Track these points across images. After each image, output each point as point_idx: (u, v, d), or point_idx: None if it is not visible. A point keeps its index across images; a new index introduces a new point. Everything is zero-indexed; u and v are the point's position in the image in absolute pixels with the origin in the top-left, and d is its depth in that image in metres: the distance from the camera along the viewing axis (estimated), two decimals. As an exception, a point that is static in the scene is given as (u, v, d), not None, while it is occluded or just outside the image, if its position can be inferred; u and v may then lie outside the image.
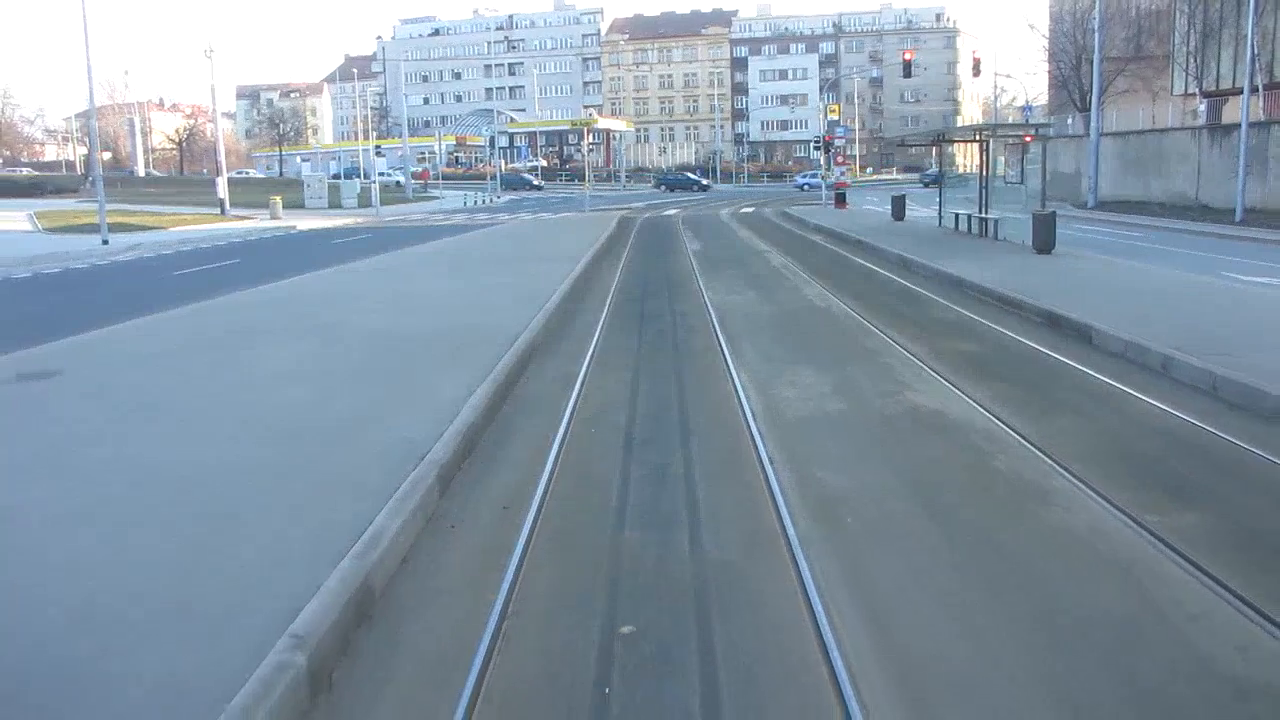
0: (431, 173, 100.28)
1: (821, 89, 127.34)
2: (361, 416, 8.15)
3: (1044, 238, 21.11)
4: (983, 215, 25.70)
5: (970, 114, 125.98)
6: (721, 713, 4.06)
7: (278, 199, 47.82)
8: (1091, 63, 60.51)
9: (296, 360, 11.02)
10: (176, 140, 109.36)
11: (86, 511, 5.99)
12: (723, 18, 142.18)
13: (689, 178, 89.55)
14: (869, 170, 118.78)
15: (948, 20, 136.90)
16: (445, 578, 5.43)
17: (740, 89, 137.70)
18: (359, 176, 76.86)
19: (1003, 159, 24.84)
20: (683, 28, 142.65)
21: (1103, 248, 25.01)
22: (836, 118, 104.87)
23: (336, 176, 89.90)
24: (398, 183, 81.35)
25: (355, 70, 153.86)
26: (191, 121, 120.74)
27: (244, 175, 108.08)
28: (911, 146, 52.86)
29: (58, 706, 3.77)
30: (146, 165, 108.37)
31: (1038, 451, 7.60)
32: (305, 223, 45.07)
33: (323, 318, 14.28)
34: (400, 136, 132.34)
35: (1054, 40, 62.55)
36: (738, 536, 5.98)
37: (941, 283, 18.34)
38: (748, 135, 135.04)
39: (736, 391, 9.72)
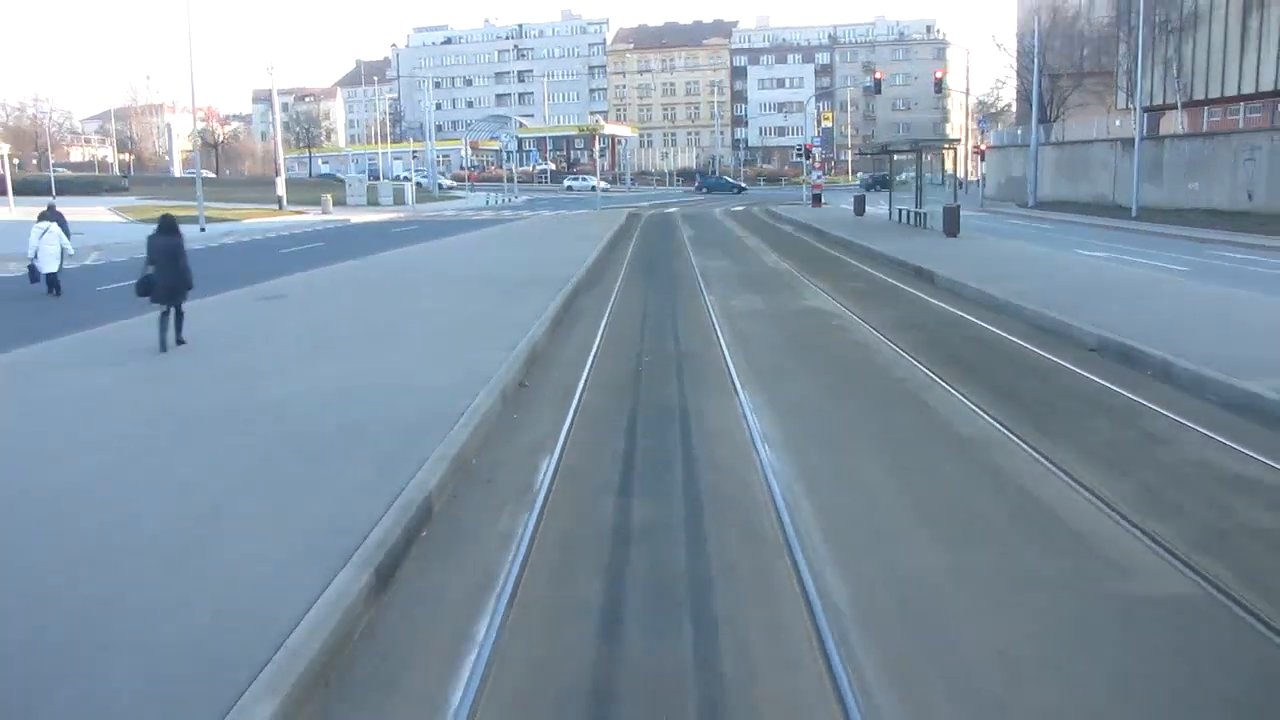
0: (449, 175, 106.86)
1: (817, 97, 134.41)
2: (490, 313, 15.17)
3: (951, 225, 28.12)
4: (917, 210, 32.72)
5: (959, 121, 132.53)
6: (683, 373, 11.11)
7: (329, 196, 54.96)
8: (1051, 78, 67.74)
9: (434, 292, 18.11)
10: (213, 143, 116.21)
11: (379, 335, 13.08)
12: (723, 28, 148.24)
13: (727, 180, 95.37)
14: (860, 175, 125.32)
15: (938, 32, 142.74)
16: (568, 347, 12.54)
17: (740, 96, 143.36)
18: (376, 177, 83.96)
19: (947, 162, 31.47)
20: (685, 38, 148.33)
21: (1005, 234, 32.10)
22: (830, 124, 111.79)
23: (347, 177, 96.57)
24: (418, 184, 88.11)
25: (369, 75, 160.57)
26: (213, 125, 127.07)
27: (265, 176, 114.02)
28: (868, 154, 59.76)
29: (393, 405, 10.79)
30: (181, 167, 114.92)
31: (860, 320, 14.67)
32: (356, 217, 52.14)
33: (434, 271, 21.42)
34: (414, 140, 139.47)
35: (1019, 58, 69.63)
36: (698, 345, 13.06)
37: (864, 254, 25.45)
38: (746, 141, 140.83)
39: (706, 302, 16.81)
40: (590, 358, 12.05)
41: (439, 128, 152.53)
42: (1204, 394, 9.58)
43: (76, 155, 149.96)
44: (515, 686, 4.40)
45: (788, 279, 20.82)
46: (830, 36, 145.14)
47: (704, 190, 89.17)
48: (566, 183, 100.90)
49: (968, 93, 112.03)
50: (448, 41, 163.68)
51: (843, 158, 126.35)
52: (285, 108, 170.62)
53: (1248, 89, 44.70)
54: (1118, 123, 47.61)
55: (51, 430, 8.48)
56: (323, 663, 4.40)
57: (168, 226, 12.01)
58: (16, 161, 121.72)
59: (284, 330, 13.99)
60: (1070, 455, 7.67)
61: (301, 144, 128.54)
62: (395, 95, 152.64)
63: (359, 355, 11.66)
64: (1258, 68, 43.79)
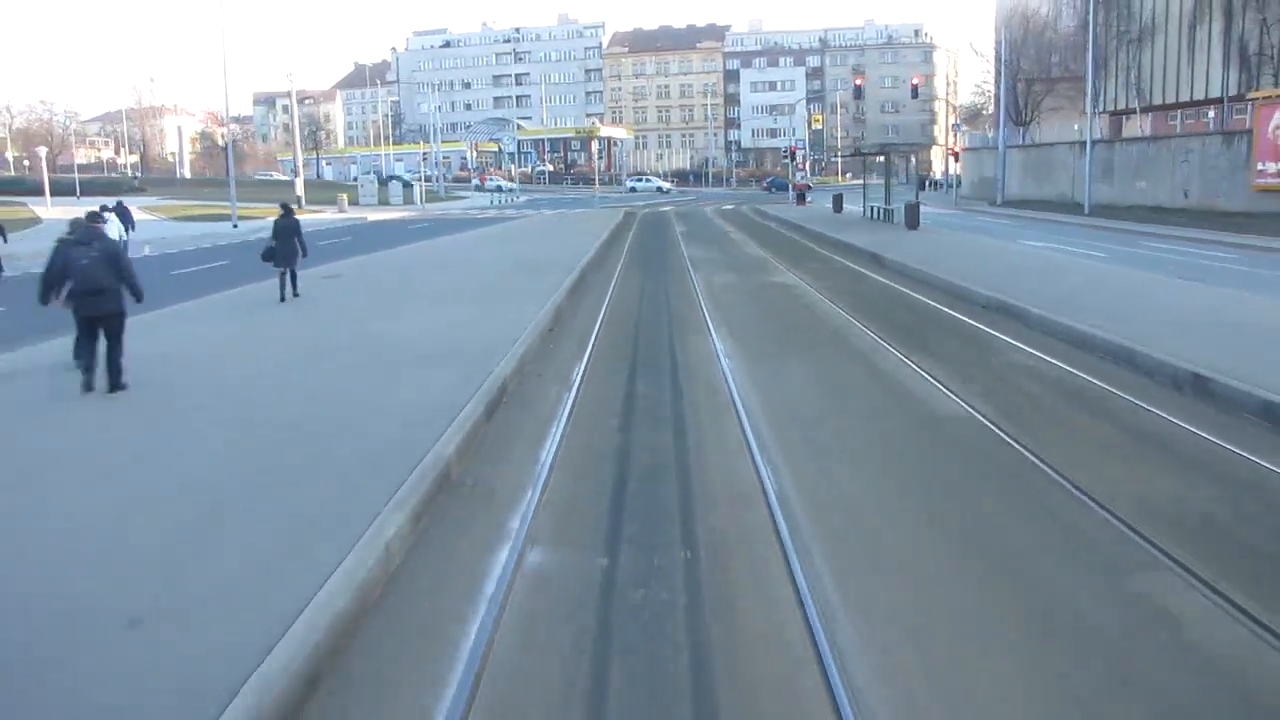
0: (448, 176, 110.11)
1: (808, 100, 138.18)
2: (518, 286, 18.91)
3: (911, 220, 31.97)
4: (886, 207, 36.56)
5: (947, 123, 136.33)
6: (672, 323, 14.92)
7: (345, 195, 58.73)
8: (1026, 83, 71.69)
9: (468, 272, 21.91)
10: (223, 145, 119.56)
11: (436, 299, 16.86)
12: (716, 32, 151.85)
13: (783, 180, 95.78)
14: (849, 175, 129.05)
15: (925, 36, 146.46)
16: (584, 307, 16.31)
17: (732, 99, 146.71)
18: (379, 178, 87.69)
19: (906, 162, 35.41)
20: (679, 41, 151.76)
21: (965, 228, 35.97)
22: (821, 127, 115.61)
23: (357, 178, 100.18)
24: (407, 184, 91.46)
25: (369, 78, 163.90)
26: (213, 128, 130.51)
27: (269, 177, 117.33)
28: (843, 158, 63.63)
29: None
30: (189, 168, 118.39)
31: (813, 290, 18.47)
32: (371, 215, 55.92)
33: (463, 257, 25.21)
34: (414, 141, 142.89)
35: (995, 64, 73.54)
36: (684, 307, 16.85)
37: (830, 243, 29.30)
38: (739, 142, 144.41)
39: (693, 282, 20.58)
40: (601, 313, 15.87)
41: (436, 130, 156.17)
42: (1045, 331, 13.40)
43: (81, 157, 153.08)
44: (574, 453, 8.19)
45: (761, 262, 24.68)
46: (821, 40, 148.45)
47: (772, 189, 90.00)
48: (629, 184, 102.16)
49: (947, 98, 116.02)
50: (446, 45, 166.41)
51: (834, 159, 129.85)
52: (286, 110, 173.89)
53: (1198, 95, 48.62)
54: (1075, 127, 51.43)
55: (229, 353, 12.25)
56: (466, 442, 8.16)
57: (287, 211, 15.96)
58: (27, 163, 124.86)
59: (358, 296, 17.78)
60: (925, 358, 11.51)
61: (305, 146, 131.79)
62: (397, 98, 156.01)
63: (425, 311, 15.44)
64: (1207, 75, 47.72)
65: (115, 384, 9.87)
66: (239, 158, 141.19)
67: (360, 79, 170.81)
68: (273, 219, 17.10)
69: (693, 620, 5.07)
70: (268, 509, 6.29)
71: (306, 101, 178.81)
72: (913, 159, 35.02)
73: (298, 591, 4.97)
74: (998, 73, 61.29)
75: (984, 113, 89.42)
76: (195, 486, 6.80)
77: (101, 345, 9.94)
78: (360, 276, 21.60)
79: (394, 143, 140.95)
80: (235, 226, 43.37)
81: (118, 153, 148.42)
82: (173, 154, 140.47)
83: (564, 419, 9.16)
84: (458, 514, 6.70)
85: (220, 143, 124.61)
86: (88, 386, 9.78)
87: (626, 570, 5.73)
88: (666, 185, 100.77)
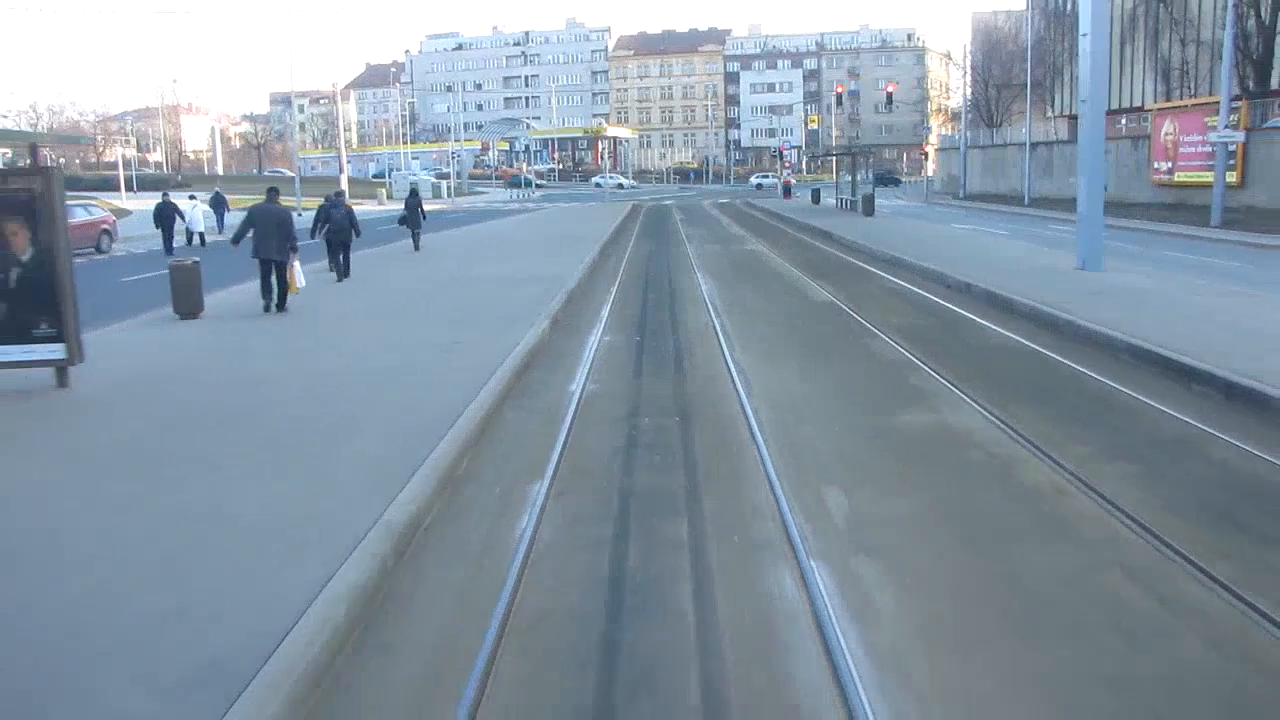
0: (462, 174, 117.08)
1: (805, 101, 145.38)
2: (561, 249, 26.38)
3: (867, 208, 39.42)
4: (851, 198, 44.01)
5: (936, 123, 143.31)
6: (671, 271, 22.40)
7: (383, 189, 66.14)
8: (997, 89, 79.16)
9: (519, 244, 29.37)
10: (255, 145, 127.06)
11: (504, 258, 24.41)
12: (718, 36, 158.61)
13: (893, 176, 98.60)
14: (844, 173, 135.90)
15: (918, 40, 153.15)
16: (609, 263, 23.82)
17: (733, 100, 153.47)
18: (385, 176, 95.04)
19: (861, 162, 42.81)
20: (682, 45, 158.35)
21: (916, 215, 43.48)
22: (817, 127, 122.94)
23: (377, 175, 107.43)
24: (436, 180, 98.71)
25: (380, 78, 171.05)
26: (228, 126, 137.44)
27: (280, 174, 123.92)
28: (818, 158, 70.86)
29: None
30: (222, 166, 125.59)
31: (775, 256, 25.97)
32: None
33: (508, 235, 32.74)
34: (428, 141, 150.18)
35: (971, 71, 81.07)
36: (679, 262, 24.35)
37: (798, 226, 36.79)
38: (739, 141, 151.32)
39: (687, 249, 28.04)
40: (622, 265, 23.43)
41: (450, 129, 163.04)
42: (909, 269, 20.83)
43: (107, 155, 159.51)
44: (616, 318, 15.65)
45: (740, 237, 32.23)
46: (817, 44, 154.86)
47: (883, 184, 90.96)
48: (595, 181, 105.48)
49: (938, 99, 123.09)
50: (459, 48, 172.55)
51: (829, 158, 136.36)
52: (301, 109, 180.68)
53: (1130, 103, 56.00)
54: (1023, 130, 58.82)
55: (402, 274, 19.72)
56: (560, 311, 15.61)
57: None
58: (61, 161, 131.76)
59: (453, 255, 25.28)
60: (825, 283, 19.03)
61: (319, 144, 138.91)
62: (413, 99, 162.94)
63: (504, 262, 22.94)
64: (1132, 86, 55.10)
65: (345, 276, 17.59)
66: (261, 157, 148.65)
67: (372, 79, 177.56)
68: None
69: (677, 357, 12.56)
70: (478, 328, 13.76)
71: (322, 101, 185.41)
72: (870, 158, 42.25)
73: (517, 339, 12.43)
74: (964, 80, 68.65)
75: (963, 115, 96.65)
76: (440, 323, 14.26)
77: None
78: (442, 246, 29.06)
79: (409, 142, 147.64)
80: (299, 215, 50.74)
81: (137, 150, 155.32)
82: (195, 152, 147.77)
83: (608, 307, 16.64)
84: (564, 331, 14.19)
85: (261, 141, 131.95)
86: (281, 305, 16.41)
87: (648, 341, 13.24)
88: (627, 183, 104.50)
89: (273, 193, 17.40)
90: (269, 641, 4.41)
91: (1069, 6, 64.59)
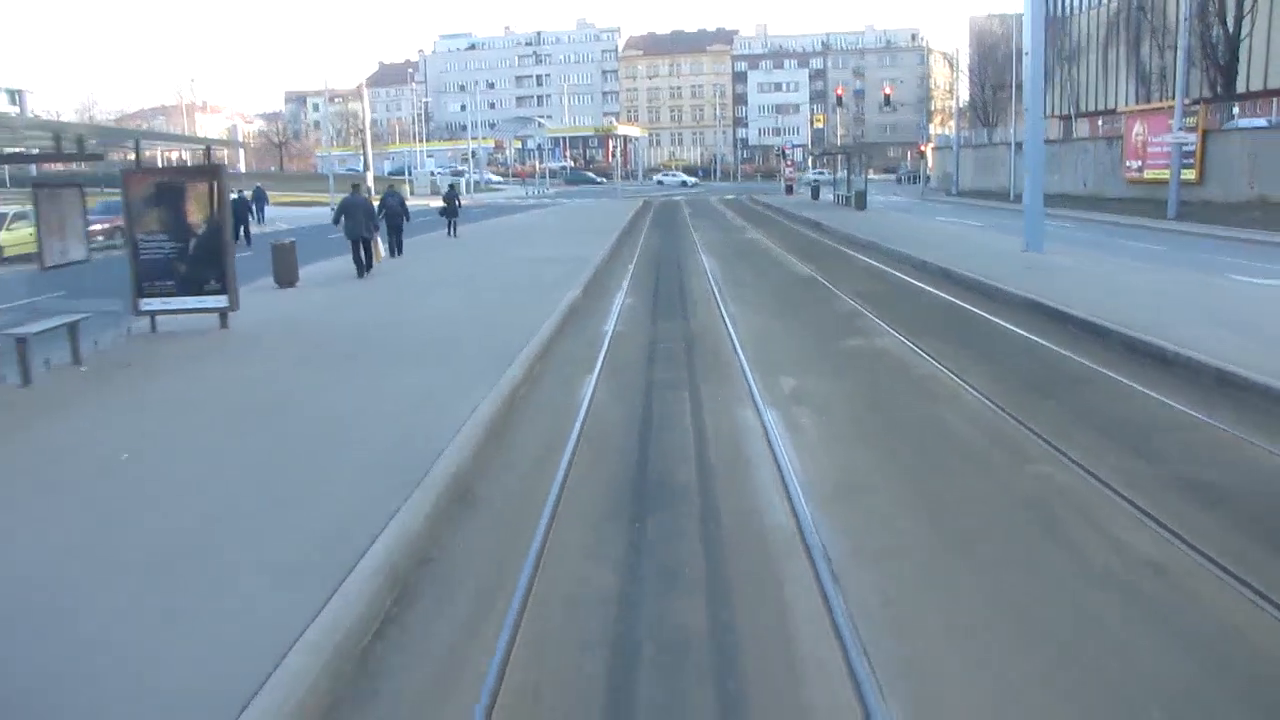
0: (481, 171, 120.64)
1: (811, 100, 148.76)
2: (583, 239, 30.07)
3: (859, 203, 43.02)
4: (845, 194, 47.63)
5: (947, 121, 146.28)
6: (679, 255, 26.11)
7: (406, 186, 69.88)
8: (993, 89, 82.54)
9: (544, 232, 33.13)
10: (278, 143, 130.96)
11: (534, 243, 28.15)
12: (725, 36, 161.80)
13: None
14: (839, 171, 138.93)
15: (921, 40, 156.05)
16: (626, 249, 27.52)
17: (740, 99, 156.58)
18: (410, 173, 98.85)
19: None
20: (690, 45, 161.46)
21: (902, 210, 47.12)
22: (823, 126, 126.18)
23: (394, 172, 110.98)
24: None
25: (393, 77, 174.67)
26: (242, 124, 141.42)
27: (357, 173, 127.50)
28: (816, 156, 74.29)
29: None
30: (245, 164, 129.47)
31: (770, 243, 29.63)
32: (432, 203, 67.05)
33: (533, 226, 36.51)
34: (442, 139, 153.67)
35: (969, 73, 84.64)
36: (686, 246, 28.04)
37: (794, 218, 40.45)
38: (747, 140, 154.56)
39: (694, 239, 31.70)
40: (638, 249, 27.12)
41: (463, 127, 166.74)
42: (884, 253, 24.44)
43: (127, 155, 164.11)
44: (634, 290, 19.36)
45: (740, 228, 35.90)
46: (823, 44, 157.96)
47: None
48: (657, 178, 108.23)
49: (939, 98, 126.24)
50: (471, 47, 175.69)
51: (833, 156, 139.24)
52: (317, 108, 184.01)
53: (1112, 105, 59.46)
54: (1010, 130, 62.27)
55: (444, 256, 23.44)
56: (578, 300, 19.31)
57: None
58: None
59: (479, 245, 29.00)
60: (807, 262, 22.69)
61: (335, 142, 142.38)
62: (428, 99, 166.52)
63: (531, 246, 26.67)
64: (1117, 88, 58.57)
65: (399, 254, 21.32)
66: (283, 155, 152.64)
67: (386, 78, 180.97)
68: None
69: (684, 310, 16.25)
70: (525, 292, 17.45)
71: (336, 100, 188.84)
72: (864, 157, 45.89)
73: (559, 299, 16.13)
74: (955, 82, 72.16)
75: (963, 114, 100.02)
76: (493, 288, 17.97)
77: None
78: (474, 234, 32.80)
79: (425, 140, 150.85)
80: (332, 209, 54.62)
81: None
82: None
83: (628, 279, 20.30)
84: (594, 295, 17.86)
85: (283, 139, 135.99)
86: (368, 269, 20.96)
87: (661, 301, 16.97)
88: (690, 180, 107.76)
89: (355, 188, 21.82)
90: (449, 433, 8.11)
91: (1061, 10, 68.09)
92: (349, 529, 5.83)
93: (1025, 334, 13.06)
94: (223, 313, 14.38)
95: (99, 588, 5.18)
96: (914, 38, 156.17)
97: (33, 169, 27.17)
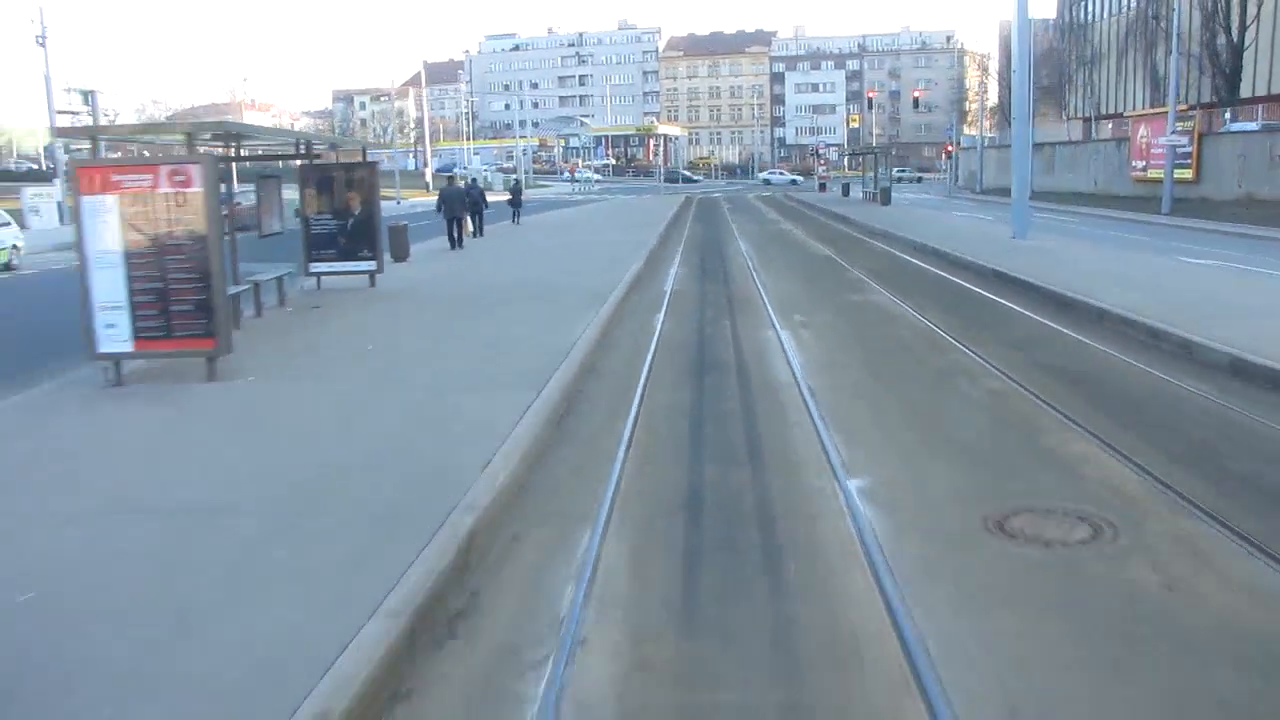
0: (528, 168, 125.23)
1: (847, 100, 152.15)
2: (637, 227, 34.52)
3: (884, 199, 47.13)
4: (873, 190, 51.75)
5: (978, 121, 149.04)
6: (719, 238, 30.52)
7: (461, 181, 74.69)
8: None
9: (599, 224, 37.64)
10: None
11: (598, 229, 32.70)
12: (764, 38, 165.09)
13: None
14: (895, 169, 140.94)
15: (957, 42, 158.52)
16: (675, 235, 31.97)
17: (778, 99, 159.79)
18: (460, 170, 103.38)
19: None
20: (729, 46, 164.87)
21: (923, 206, 51.14)
22: (858, 126, 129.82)
23: (442, 169, 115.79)
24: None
25: (437, 76, 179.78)
26: (289, 123, 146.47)
27: (453, 170, 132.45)
28: (850, 155, 78.10)
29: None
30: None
31: (800, 233, 33.94)
32: (490, 197, 71.84)
33: (587, 219, 41.09)
34: (487, 137, 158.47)
35: (983, 76, 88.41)
36: (725, 236, 32.40)
37: (823, 212, 44.64)
38: (784, 139, 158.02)
39: (732, 228, 36.03)
40: (683, 237, 31.50)
41: (508, 126, 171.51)
42: (894, 240, 28.63)
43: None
44: (684, 264, 23.79)
45: (774, 220, 40.19)
46: (860, 45, 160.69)
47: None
48: (764, 177, 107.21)
49: (966, 98, 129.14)
50: (516, 48, 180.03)
51: (866, 155, 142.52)
52: (363, 106, 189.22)
53: (1128, 109, 63.02)
54: (1037, 131, 66.00)
55: (510, 248, 28.01)
56: (640, 271, 23.77)
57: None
58: (147, 154, 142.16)
59: (541, 231, 33.55)
60: (828, 247, 27.01)
61: (380, 140, 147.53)
62: (475, 97, 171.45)
63: (590, 233, 31.17)
64: (1135, 93, 62.13)
65: (480, 235, 26.03)
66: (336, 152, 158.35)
67: (429, 77, 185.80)
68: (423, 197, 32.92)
69: (725, 278, 20.66)
70: (594, 264, 21.93)
71: (382, 99, 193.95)
72: (889, 156, 49.98)
73: (624, 271, 20.59)
74: (983, 88, 75.85)
75: (980, 118, 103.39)
76: (565, 259, 22.47)
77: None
78: (534, 224, 37.38)
79: (470, 138, 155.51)
80: (398, 204, 59.45)
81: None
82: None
83: (678, 258, 24.69)
84: (651, 268, 22.32)
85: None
86: (460, 245, 25.71)
87: (706, 272, 21.40)
88: (801, 179, 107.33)
89: (450, 180, 26.74)
90: (574, 340, 12.59)
91: (1085, 17, 71.64)
92: (537, 371, 10.29)
93: (980, 291, 17.38)
94: (371, 275, 18.95)
95: (396, 398, 9.69)
96: (949, 39, 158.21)
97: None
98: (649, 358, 11.79)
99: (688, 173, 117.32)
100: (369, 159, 19.35)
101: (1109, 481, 7.04)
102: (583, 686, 4.45)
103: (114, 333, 10.56)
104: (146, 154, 25.79)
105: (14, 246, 26.37)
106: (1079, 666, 4.52)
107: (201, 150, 11.78)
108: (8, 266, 25.69)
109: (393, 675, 4.48)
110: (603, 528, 6.29)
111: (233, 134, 14.26)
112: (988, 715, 4.14)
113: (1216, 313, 13.34)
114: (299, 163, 18.11)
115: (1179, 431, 8.43)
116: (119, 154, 31.34)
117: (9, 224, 26.95)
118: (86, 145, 12.31)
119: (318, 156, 17.89)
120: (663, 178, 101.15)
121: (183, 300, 10.46)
